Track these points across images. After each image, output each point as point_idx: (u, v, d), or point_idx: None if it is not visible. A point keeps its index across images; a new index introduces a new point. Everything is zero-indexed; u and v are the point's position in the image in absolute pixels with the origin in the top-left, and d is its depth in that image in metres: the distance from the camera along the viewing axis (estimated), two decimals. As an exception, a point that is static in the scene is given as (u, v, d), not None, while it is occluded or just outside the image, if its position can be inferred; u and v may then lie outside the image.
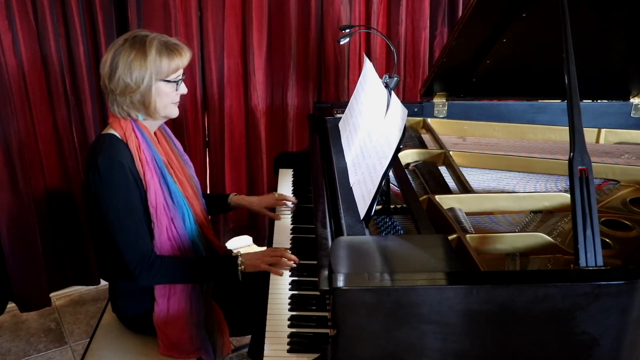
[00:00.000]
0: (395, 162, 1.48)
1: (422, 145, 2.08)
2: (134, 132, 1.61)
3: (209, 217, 1.95)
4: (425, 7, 2.92)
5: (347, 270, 1.16)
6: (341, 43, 2.45)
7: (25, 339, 2.54)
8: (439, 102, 2.29)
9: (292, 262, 1.62)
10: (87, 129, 2.44)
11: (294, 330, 1.41)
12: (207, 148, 2.82)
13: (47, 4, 2.23)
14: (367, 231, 1.41)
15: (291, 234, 1.86)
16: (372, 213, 1.42)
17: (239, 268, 1.63)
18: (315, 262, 1.46)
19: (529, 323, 1.11)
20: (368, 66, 1.91)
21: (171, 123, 2.43)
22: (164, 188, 1.64)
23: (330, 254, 1.24)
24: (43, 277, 2.52)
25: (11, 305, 2.60)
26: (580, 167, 1.22)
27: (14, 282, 2.48)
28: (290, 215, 1.97)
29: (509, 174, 1.92)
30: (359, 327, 1.10)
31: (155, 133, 1.72)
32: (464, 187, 1.73)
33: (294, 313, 1.47)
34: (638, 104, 2.27)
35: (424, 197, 1.61)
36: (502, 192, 1.80)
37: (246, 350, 2.22)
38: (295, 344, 1.36)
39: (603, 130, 2.19)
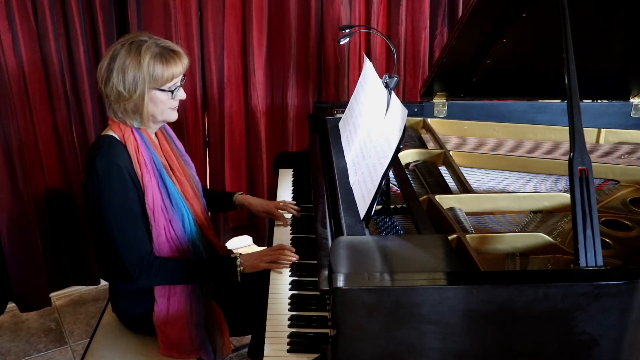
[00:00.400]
0: (395, 162, 1.48)
1: (422, 145, 2.08)
2: (133, 134, 1.61)
3: (210, 217, 1.95)
4: (425, 7, 2.92)
5: (347, 270, 1.16)
6: (341, 43, 2.45)
7: (25, 339, 2.54)
8: (439, 102, 2.29)
9: (292, 257, 1.62)
10: (87, 129, 2.44)
11: (294, 330, 1.40)
12: (207, 148, 2.82)
13: (47, 4, 2.23)
14: (367, 231, 1.41)
15: (291, 234, 1.86)
16: (372, 213, 1.42)
17: (238, 269, 1.64)
18: (315, 262, 1.46)
19: (529, 323, 1.11)
20: (368, 66, 1.91)
21: (171, 123, 2.42)
22: (162, 190, 1.63)
23: (330, 254, 1.24)
24: (43, 277, 2.52)
25: (11, 305, 2.60)
26: (580, 167, 1.22)
27: (14, 282, 2.48)
28: (291, 215, 1.97)
29: (509, 174, 1.92)
30: (359, 327, 1.10)
31: (156, 134, 1.72)
32: (464, 187, 1.73)
33: (294, 313, 1.47)
34: (638, 104, 2.27)
35: (424, 197, 1.61)
36: (502, 192, 1.80)
37: (246, 350, 2.22)
38: (295, 344, 1.36)
39: (603, 130, 2.19)
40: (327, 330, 1.39)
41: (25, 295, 2.52)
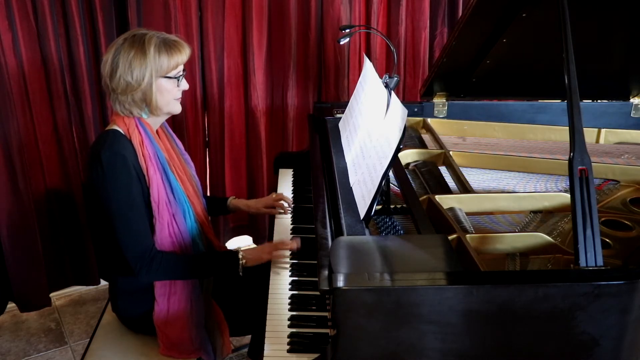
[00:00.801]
0: (395, 162, 1.48)
1: (422, 145, 2.08)
2: (137, 128, 1.62)
3: (209, 217, 1.95)
4: (425, 7, 2.92)
5: (347, 270, 1.16)
6: (341, 43, 2.45)
7: (25, 339, 2.54)
8: (439, 102, 2.29)
9: (293, 243, 1.63)
10: (87, 129, 2.44)
11: (294, 330, 1.41)
12: (207, 148, 2.82)
13: (47, 4, 2.23)
14: (367, 231, 1.41)
15: (291, 234, 1.86)
16: (372, 213, 1.42)
17: (240, 262, 1.64)
18: (315, 262, 1.46)
19: (529, 323, 1.11)
20: (368, 66, 1.91)
21: (171, 123, 2.43)
22: (166, 184, 1.64)
23: (330, 254, 1.24)
24: (43, 277, 2.52)
25: (11, 305, 2.60)
26: (580, 167, 1.22)
27: (14, 282, 2.48)
28: (291, 210, 1.97)
29: (509, 174, 1.92)
30: (359, 327, 1.10)
31: (157, 131, 1.73)
32: (464, 187, 1.73)
33: (294, 313, 1.47)
34: (638, 104, 2.27)
35: (424, 197, 1.61)
36: (502, 192, 1.80)
37: (246, 350, 2.22)
38: (295, 344, 1.36)
39: (603, 130, 2.19)
40: (327, 330, 1.39)
41: (25, 295, 2.52)
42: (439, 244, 1.28)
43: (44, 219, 2.49)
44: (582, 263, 1.16)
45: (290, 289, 1.56)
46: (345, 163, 1.75)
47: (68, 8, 2.26)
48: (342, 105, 2.14)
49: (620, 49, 2.03)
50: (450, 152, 1.95)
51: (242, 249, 1.69)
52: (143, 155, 1.60)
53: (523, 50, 2.00)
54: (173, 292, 1.68)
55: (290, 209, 1.99)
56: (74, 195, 2.51)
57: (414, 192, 1.61)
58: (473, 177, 1.88)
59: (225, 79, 2.68)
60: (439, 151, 1.98)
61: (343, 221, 1.44)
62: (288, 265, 1.66)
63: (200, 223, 1.77)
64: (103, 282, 2.75)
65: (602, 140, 2.20)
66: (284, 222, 1.93)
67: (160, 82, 1.59)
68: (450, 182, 1.80)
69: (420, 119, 2.29)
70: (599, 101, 2.32)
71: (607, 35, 1.95)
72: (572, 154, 1.24)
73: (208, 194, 2.74)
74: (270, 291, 1.56)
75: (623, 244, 1.52)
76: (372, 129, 1.66)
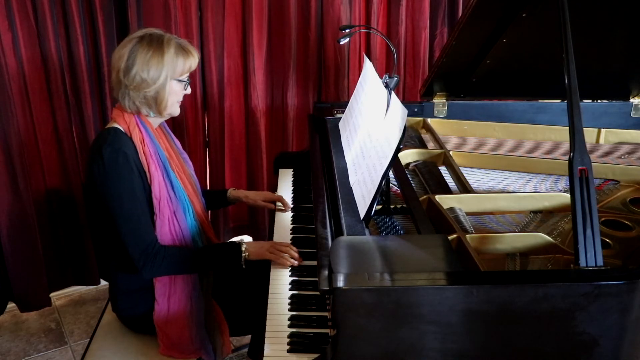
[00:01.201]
0: (395, 162, 1.48)
1: (422, 145, 2.08)
2: (138, 126, 1.63)
3: (209, 216, 1.96)
4: (425, 7, 2.92)
5: (347, 270, 1.16)
6: (341, 43, 2.45)
7: (25, 339, 2.54)
8: (439, 102, 2.29)
9: (296, 261, 1.63)
10: (87, 129, 2.44)
11: (294, 330, 1.40)
12: (207, 148, 2.82)
13: (47, 4, 2.23)
14: (367, 231, 1.41)
15: (291, 234, 1.86)
16: (372, 213, 1.42)
17: (243, 255, 1.65)
18: (315, 263, 1.46)
19: (529, 323, 1.11)
20: (368, 66, 1.91)
21: (171, 122, 2.43)
22: (167, 181, 1.66)
23: (330, 254, 1.24)
24: (43, 277, 2.52)
25: (11, 305, 2.60)
26: (580, 167, 1.22)
27: (14, 282, 2.48)
28: (291, 211, 1.98)
29: (509, 174, 1.92)
30: (359, 327, 1.10)
31: (156, 130, 1.73)
32: (464, 187, 1.73)
33: (294, 313, 1.47)
34: (638, 104, 2.27)
35: (424, 197, 1.61)
36: (502, 192, 1.80)
37: (246, 350, 2.22)
38: (295, 344, 1.36)
39: (603, 130, 2.20)
40: (327, 330, 1.39)
41: (25, 295, 2.52)
42: (439, 244, 1.28)
43: (44, 219, 2.49)
44: (582, 263, 1.16)
45: (290, 289, 1.56)
46: (345, 163, 1.75)
47: (68, 8, 2.26)
48: (342, 105, 2.14)
49: (620, 49, 2.03)
50: (450, 152, 1.95)
51: (245, 241, 1.70)
52: (144, 152, 1.61)
53: (523, 50, 2.00)
54: (173, 292, 1.68)
55: (288, 209, 2.00)
56: (74, 195, 2.51)
57: (414, 192, 1.61)
58: (473, 177, 1.88)
59: (225, 79, 2.68)
60: (439, 151, 1.98)
61: (343, 221, 1.44)
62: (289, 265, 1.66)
63: (200, 222, 1.78)
64: (103, 282, 2.75)
65: (602, 140, 2.20)
66: (284, 223, 1.93)
67: (172, 84, 1.63)
68: (450, 182, 1.80)
69: (420, 119, 2.29)
70: (599, 101, 2.32)
71: (607, 35, 1.95)
72: (572, 154, 1.24)
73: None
74: (270, 291, 1.56)
75: (623, 244, 1.52)
76: (372, 129, 1.66)
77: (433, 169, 1.87)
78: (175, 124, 2.58)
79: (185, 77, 1.66)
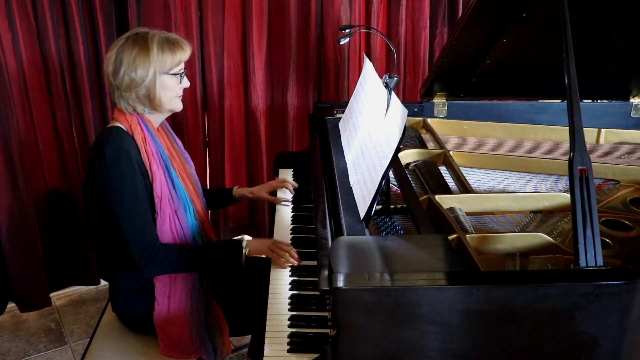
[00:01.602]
0: (395, 162, 1.48)
1: (422, 145, 2.08)
2: (139, 125, 1.63)
3: (209, 216, 1.96)
4: (425, 7, 2.92)
5: (347, 270, 1.16)
6: (341, 43, 2.45)
7: (25, 339, 2.54)
8: (439, 102, 2.29)
9: (294, 262, 1.63)
10: (87, 129, 2.44)
11: (294, 330, 1.40)
12: (207, 148, 2.82)
13: (47, 4, 2.23)
14: (367, 231, 1.41)
15: (291, 233, 1.86)
16: (372, 213, 1.42)
17: (244, 251, 1.65)
18: (315, 263, 1.46)
19: (529, 323, 1.11)
20: (368, 66, 1.91)
21: (171, 122, 2.43)
22: (168, 180, 1.66)
23: (330, 254, 1.24)
24: (43, 277, 2.52)
25: (11, 305, 2.60)
26: (580, 167, 1.22)
27: (14, 282, 2.48)
28: (291, 210, 1.97)
29: (509, 174, 1.92)
30: (359, 327, 1.10)
31: (157, 129, 1.73)
32: (464, 187, 1.73)
33: (294, 313, 1.47)
34: (638, 104, 2.27)
35: (424, 197, 1.61)
36: (502, 192, 1.80)
37: (246, 350, 2.22)
38: (295, 344, 1.36)
39: (603, 130, 2.19)
40: (327, 330, 1.39)
41: (25, 295, 2.52)
42: (439, 244, 1.28)
43: (44, 219, 2.49)
44: (582, 263, 1.16)
45: (290, 289, 1.56)
46: (345, 163, 1.75)
47: (68, 8, 2.26)
48: (342, 105, 2.14)
49: (620, 49, 2.03)
50: (450, 152, 1.95)
51: (245, 238, 1.70)
52: (146, 151, 1.62)
53: (523, 50, 2.00)
54: (173, 291, 1.68)
55: (289, 203, 2.02)
56: (74, 195, 2.51)
57: (414, 192, 1.61)
58: (473, 177, 1.88)
59: (225, 79, 2.68)
60: (439, 151, 1.98)
61: (343, 221, 1.44)
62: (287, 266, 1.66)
63: (201, 221, 1.78)
64: (103, 282, 2.75)
65: (602, 140, 2.20)
66: (284, 223, 1.93)
67: (164, 78, 1.61)
68: (450, 182, 1.80)
69: (420, 119, 2.29)
70: (599, 101, 2.32)
71: (607, 36, 1.95)
72: (572, 154, 1.24)
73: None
74: (270, 291, 1.56)
75: (623, 244, 1.52)
76: (372, 129, 1.66)
77: (433, 169, 1.87)
78: (175, 124, 2.58)
79: (178, 69, 1.64)
